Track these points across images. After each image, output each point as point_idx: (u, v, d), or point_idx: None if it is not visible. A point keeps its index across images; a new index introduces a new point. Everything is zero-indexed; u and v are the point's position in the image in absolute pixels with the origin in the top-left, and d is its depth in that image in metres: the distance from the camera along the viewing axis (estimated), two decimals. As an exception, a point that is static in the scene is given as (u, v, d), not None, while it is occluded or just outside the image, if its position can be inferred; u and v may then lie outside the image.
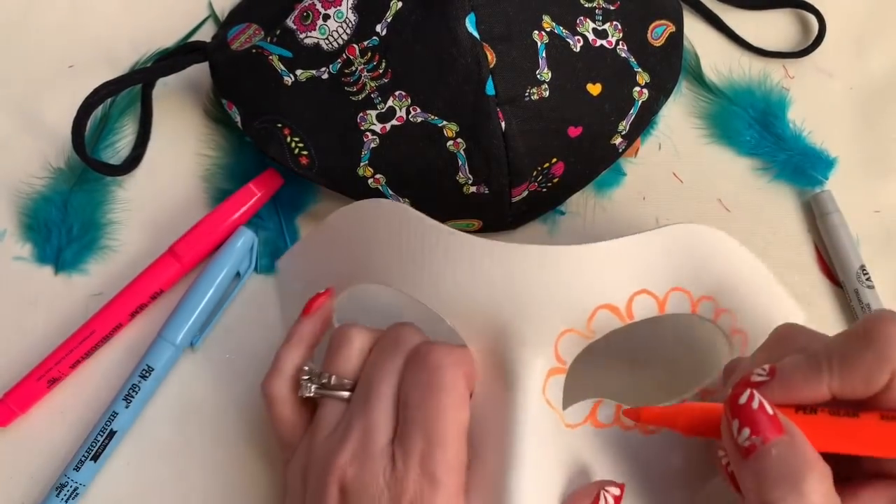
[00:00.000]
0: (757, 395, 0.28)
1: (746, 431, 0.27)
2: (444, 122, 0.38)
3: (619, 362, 0.41)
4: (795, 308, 0.38)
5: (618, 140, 0.42)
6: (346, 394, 0.33)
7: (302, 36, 0.40)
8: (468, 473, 0.32)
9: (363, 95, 0.39)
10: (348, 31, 0.39)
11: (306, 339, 0.36)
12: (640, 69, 0.42)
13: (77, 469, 0.39)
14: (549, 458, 0.32)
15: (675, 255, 0.34)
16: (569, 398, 0.34)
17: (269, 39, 0.41)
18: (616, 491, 0.32)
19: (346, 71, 0.39)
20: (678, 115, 0.46)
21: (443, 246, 0.34)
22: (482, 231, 0.42)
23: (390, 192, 0.40)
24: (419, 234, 0.34)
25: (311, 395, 0.33)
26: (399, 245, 0.35)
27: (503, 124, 0.38)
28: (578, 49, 0.40)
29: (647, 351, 0.40)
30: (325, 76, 0.40)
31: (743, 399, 0.28)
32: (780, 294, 0.38)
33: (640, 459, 0.34)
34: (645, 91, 0.42)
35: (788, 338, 0.31)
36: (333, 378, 0.33)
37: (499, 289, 0.33)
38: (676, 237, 0.34)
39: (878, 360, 0.26)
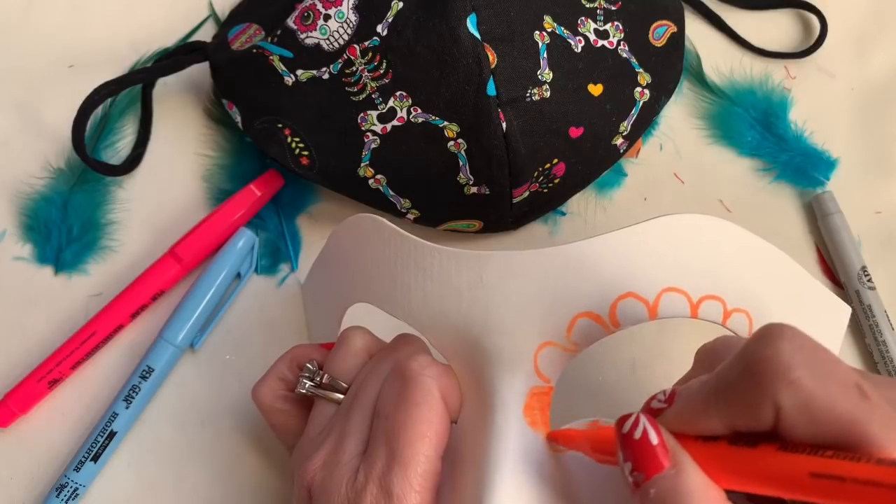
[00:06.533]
0: (641, 425, 0.25)
1: (629, 465, 0.24)
2: (445, 123, 0.38)
3: (619, 364, 0.41)
4: (835, 301, 0.34)
5: (619, 141, 0.42)
6: (338, 396, 0.33)
7: (303, 36, 0.40)
8: (448, 497, 0.30)
9: (364, 96, 0.39)
10: (349, 31, 0.39)
11: (299, 359, 0.35)
12: (641, 70, 0.42)
13: (77, 470, 0.39)
14: (533, 486, 0.29)
15: (667, 252, 0.30)
16: (562, 418, 0.31)
17: (269, 39, 0.41)
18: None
19: (347, 71, 0.39)
20: (679, 116, 0.46)
21: (413, 257, 0.32)
22: (483, 232, 0.42)
23: (391, 192, 0.40)
24: (394, 247, 0.33)
25: (305, 391, 0.33)
26: (377, 260, 0.33)
27: (504, 125, 0.37)
28: (580, 49, 0.40)
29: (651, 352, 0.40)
30: (326, 76, 0.40)
31: (626, 428, 0.25)
32: (814, 287, 0.34)
33: None
34: (646, 91, 0.42)
35: (714, 354, 0.27)
36: (327, 378, 0.33)
37: (466, 300, 0.30)
38: (667, 230, 0.30)
39: (758, 392, 0.22)
